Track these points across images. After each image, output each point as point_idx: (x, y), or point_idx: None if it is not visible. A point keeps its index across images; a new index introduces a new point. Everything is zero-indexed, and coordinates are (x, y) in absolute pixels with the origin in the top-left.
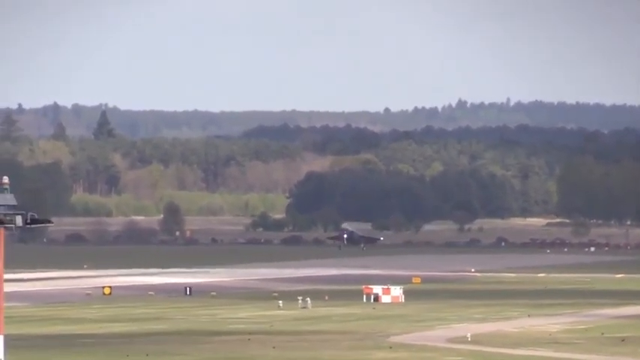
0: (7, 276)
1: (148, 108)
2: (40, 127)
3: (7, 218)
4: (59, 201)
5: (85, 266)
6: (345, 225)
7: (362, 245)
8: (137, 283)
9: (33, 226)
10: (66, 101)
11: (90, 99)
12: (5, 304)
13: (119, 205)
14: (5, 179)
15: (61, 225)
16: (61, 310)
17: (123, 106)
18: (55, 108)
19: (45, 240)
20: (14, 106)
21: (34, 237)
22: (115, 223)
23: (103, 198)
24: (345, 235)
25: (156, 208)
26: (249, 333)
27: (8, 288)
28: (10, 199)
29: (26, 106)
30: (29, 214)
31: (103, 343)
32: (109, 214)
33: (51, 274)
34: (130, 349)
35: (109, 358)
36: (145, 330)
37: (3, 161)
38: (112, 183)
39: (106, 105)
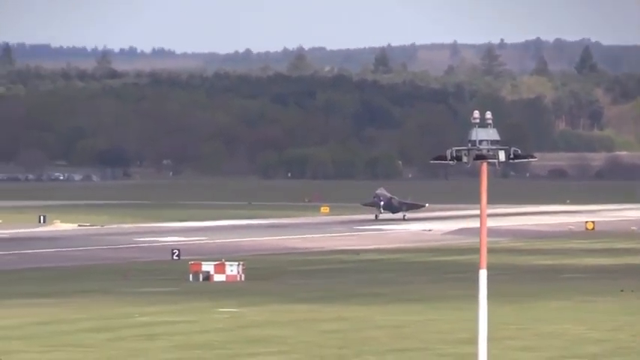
0: (490, 211)
1: (631, 43)
2: (521, 62)
3: (491, 153)
4: (541, 136)
5: (567, 201)
6: (380, 191)
7: (403, 215)
8: (620, 219)
9: (516, 161)
10: (548, 36)
11: (572, 35)
12: (489, 239)
13: (602, 140)
14: (488, 114)
15: (543, 160)
16: (544, 244)
17: (606, 42)
18: (537, 43)
19: (527, 175)
20: (496, 41)
21: (517, 172)
22: (598, 158)
23: (585, 133)
24: (382, 202)
25: (638, 143)
26: None
27: (492, 223)
28: (493, 133)
29: (508, 40)
30: (512, 149)
31: (583, 277)
32: (591, 149)
33: (534, 209)
34: (615, 283)
35: (599, 290)
36: (626, 265)
37: (486, 96)
38: (595, 118)
39: (588, 40)
